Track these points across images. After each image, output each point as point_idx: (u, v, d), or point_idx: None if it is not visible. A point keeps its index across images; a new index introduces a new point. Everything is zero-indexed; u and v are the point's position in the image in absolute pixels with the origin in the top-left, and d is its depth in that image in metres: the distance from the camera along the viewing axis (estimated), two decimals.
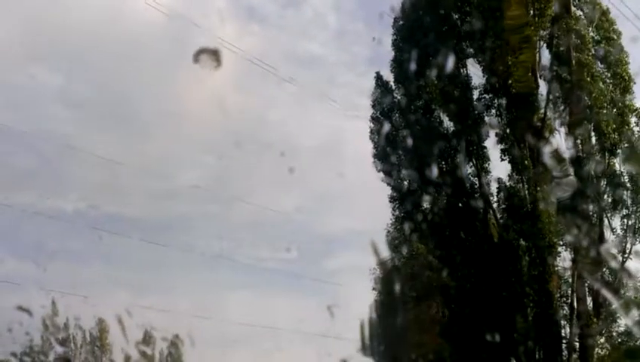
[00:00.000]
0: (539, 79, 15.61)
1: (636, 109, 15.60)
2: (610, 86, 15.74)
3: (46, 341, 40.17)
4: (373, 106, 16.56)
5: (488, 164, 15.50)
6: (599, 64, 15.92)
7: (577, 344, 15.17)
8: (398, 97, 16.27)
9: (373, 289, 24.41)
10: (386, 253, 22.99)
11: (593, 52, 15.65)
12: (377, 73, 16.52)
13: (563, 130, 15.29)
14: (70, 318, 41.74)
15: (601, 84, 15.35)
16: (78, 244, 47.62)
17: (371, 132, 16.39)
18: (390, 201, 16.43)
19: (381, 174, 16.19)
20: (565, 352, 15.09)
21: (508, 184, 15.55)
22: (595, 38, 16.01)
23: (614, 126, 15.20)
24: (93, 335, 43.95)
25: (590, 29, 15.95)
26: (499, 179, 15.58)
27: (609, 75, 15.88)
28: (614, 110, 15.37)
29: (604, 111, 15.16)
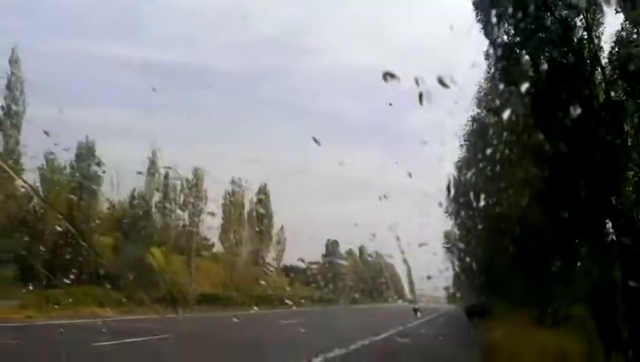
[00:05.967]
0: None
1: None
2: None
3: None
4: None
5: (601, 16, 13.86)
6: None
7: None
8: None
9: (461, 146, 23.85)
10: (476, 109, 22.09)
11: None
12: None
13: None
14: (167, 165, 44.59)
15: None
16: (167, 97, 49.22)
17: None
18: (485, 58, 15.42)
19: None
20: None
21: (620, 36, 13.97)
22: None
23: None
24: (190, 182, 46.74)
25: None
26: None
27: None
28: None
29: None
